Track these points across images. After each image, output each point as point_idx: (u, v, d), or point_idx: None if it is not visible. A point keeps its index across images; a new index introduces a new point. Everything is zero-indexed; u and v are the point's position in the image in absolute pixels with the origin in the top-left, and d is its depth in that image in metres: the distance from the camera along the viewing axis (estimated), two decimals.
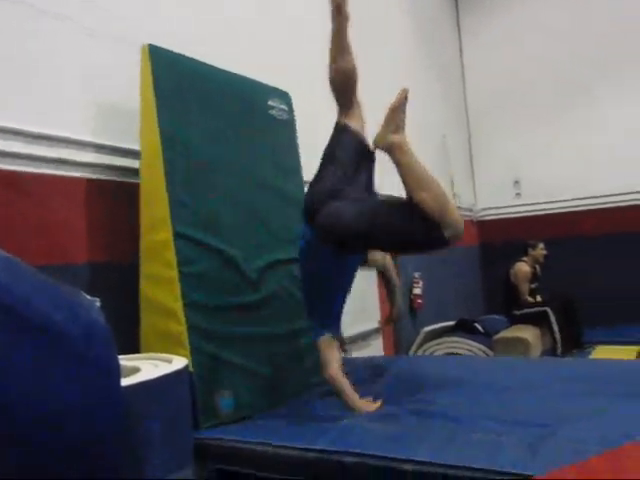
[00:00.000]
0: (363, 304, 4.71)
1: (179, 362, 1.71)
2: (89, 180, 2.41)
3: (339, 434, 1.79)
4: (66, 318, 1.14)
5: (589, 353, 4.68)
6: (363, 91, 4.88)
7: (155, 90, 2.38)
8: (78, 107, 2.40)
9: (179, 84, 2.53)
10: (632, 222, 5.95)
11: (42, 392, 0.99)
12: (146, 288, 2.35)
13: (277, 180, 2.99)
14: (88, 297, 1.32)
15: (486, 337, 4.79)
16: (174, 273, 2.27)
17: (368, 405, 2.09)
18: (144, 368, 1.68)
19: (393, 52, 5.38)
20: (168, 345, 2.25)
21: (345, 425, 1.88)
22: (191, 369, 2.20)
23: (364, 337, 4.67)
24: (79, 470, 1.05)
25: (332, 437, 1.76)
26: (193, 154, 2.51)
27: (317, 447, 1.70)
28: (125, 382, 1.45)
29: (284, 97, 3.20)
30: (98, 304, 1.31)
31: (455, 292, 5.91)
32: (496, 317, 5.55)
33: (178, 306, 2.24)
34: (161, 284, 2.31)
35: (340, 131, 2.24)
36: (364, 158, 2.25)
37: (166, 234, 2.30)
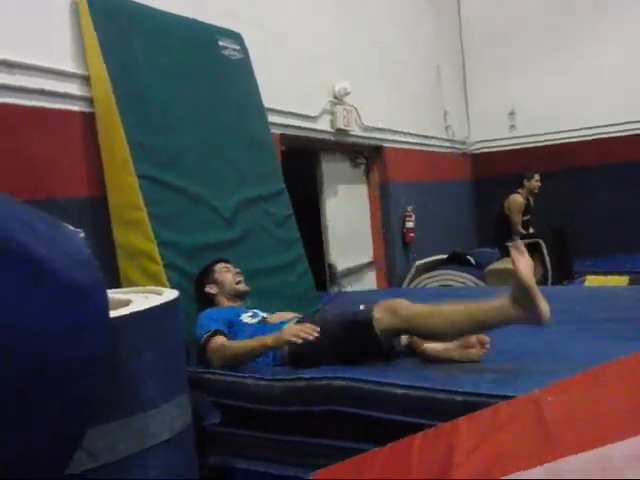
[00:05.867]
0: (356, 238, 4.72)
1: (170, 294, 1.71)
2: (72, 112, 2.33)
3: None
4: (50, 247, 1.12)
5: (580, 283, 4.75)
6: (360, 23, 4.70)
7: (98, 36, 2.32)
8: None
9: (121, 27, 2.45)
10: (629, 151, 5.91)
11: (28, 319, 0.98)
12: (118, 234, 2.35)
13: (241, 120, 2.98)
14: (72, 228, 1.29)
15: (478, 269, 4.84)
16: (143, 214, 2.27)
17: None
18: (135, 300, 1.68)
19: None
20: (148, 284, 2.26)
21: None
22: None
23: (357, 271, 4.71)
24: (68, 393, 1.07)
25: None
26: (147, 95, 2.48)
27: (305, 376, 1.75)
28: (117, 313, 1.45)
29: (235, 37, 3.12)
30: (82, 235, 1.28)
31: (448, 226, 5.92)
32: (488, 250, 5.60)
33: (152, 247, 2.24)
34: (132, 227, 2.31)
35: None
36: None
37: (130, 177, 2.29)
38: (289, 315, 2.25)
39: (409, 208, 5.16)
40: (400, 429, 1.50)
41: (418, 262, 4.96)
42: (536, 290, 1.62)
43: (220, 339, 2.02)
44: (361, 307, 1.91)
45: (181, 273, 2.34)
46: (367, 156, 4.96)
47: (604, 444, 0.93)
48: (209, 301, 2.33)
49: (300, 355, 1.91)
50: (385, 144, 4.97)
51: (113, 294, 1.82)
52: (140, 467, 1.41)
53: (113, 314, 1.44)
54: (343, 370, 1.73)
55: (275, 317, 2.23)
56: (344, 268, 4.44)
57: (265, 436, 1.79)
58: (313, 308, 3.04)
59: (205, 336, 2.02)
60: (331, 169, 4.46)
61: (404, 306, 1.79)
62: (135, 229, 2.29)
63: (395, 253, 5.05)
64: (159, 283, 2.25)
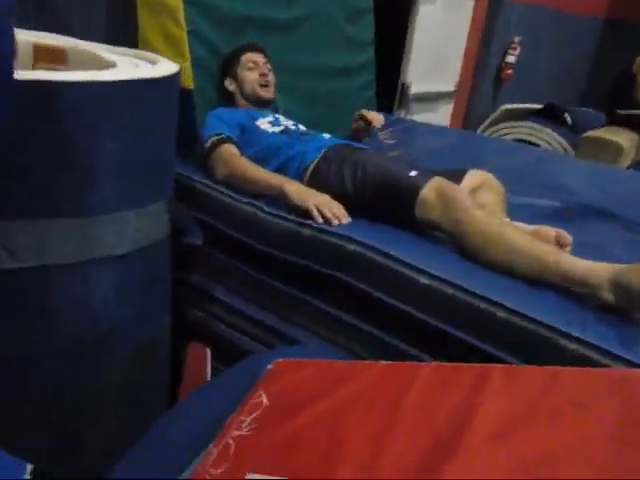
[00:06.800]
0: (443, 59, 3.98)
1: (166, 67, 1.27)
2: None
3: None
4: None
5: None
6: None
7: None
8: None
9: None
10: None
11: None
12: None
13: None
14: None
15: (573, 132, 4.08)
16: None
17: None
18: (120, 65, 1.26)
19: None
20: (167, 52, 1.80)
21: None
22: (191, 85, 1.78)
23: (434, 98, 4.07)
24: None
25: None
26: None
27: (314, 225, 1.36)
28: (73, 76, 1.04)
29: None
30: None
31: (556, 71, 4.98)
32: (591, 111, 4.71)
33: (177, 3, 1.72)
34: None
35: None
36: None
37: None
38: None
39: (516, 39, 4.27)
40: (417, 327, 1.15)
41: (506, 106, 4.24)
42: None
43: (231, 148, 1.61)
44: (412, 173, 1.42)
45: (209, 47, 1.86)
46: None
47: None
48: (228, 98, 1.88)
49: (323, 184, 1.50)
50: None
51: (94, 49, 1.40)
52: (81, 281, 1.13)
53: (66, 76, 1.04)
54: (365, 230, 1.32)
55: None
56: (419, 91, 3.80)
57: (253, 274, 1.48)
58: None
59: (212, 140, 1.62)
60: None
61: (464, 206, 1.29)
62: None
63: (483, 88, 4.31)
64: (179, 54, 1.79)
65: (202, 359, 1.78)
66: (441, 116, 4.20)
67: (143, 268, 1.27)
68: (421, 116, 3.89)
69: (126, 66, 1.27)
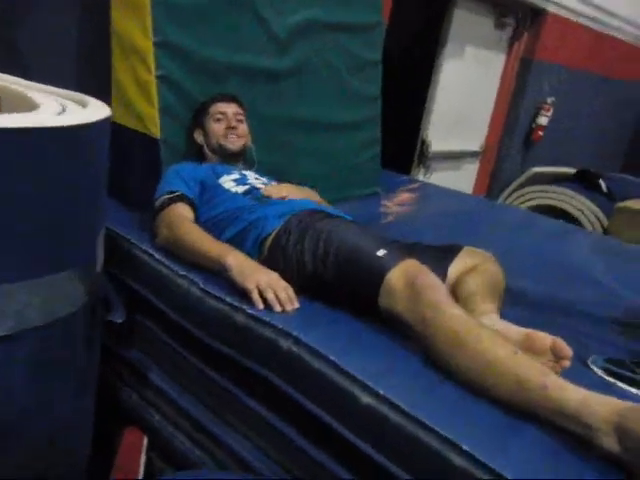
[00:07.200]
0: (469, 117, 3.77)
1: (95, 111, 1.08)
2: None
3: None
4: None
5: None
6: None
7: None
8: None
9: None
10: None
11: None
12: (115, 13, 1.66)
13: None
14: None
15: (608, 200, 3.76)
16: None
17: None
18: (45, 107, 1.08)
19: None
20: (137, 97, 1.64)
21: None
22: (157, 134, 1.61)
23: (457, 157, 3.85)
24: None
25: None
26: None
27: (250, 311, 1.11)
28: None
29: None
30: None
31: (590, 134, 4.70)
32: (631, 178, 4.36)
33: (148, 45, 1.56)
34: (131, 6, 1.60)
35: None
36: None
37: None
38: (296, 192, 1.55)
39: (549, 100, 4.03)
40: (353, 453, 0.89)
41: (535, 169, 3.98)
42: None
43: (182, 209, 1.41)
44: (380, 252, 1.16)
45: (181, 95, 1.69)
46: (520, 17, 3.79)
47: None
48: (197, 151, 1.70)
49: (281, 258, 1.27)
50: (550, 7, 3.75)
51: (21, 86, 1.24)
52: None
53: None
54: (312, 321, 1.08)
55: (272, 189, 1.53)
56: (441, 150, 3.59)
57: (188, 358, 1.24)
58: (362, 191, 2.34)
59: (163, 198, 1.42)
60: (464, 22, 3.40)
61: (435, 299, 1.03)
62: (134, 11, 1.61)
63: (512, 149, 4.06)
64: (147, 99, 1.63)
65: (137, 447, 1.54)
66: (465, 177, 3.97)
67: (39, 350, 1.05)
68: (442, 175, 3.67)
69: (50, 108, 1.09)
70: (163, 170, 1.64)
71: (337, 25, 2.12)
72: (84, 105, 1.19)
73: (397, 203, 2.34)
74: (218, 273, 1.21)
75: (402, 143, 3.33)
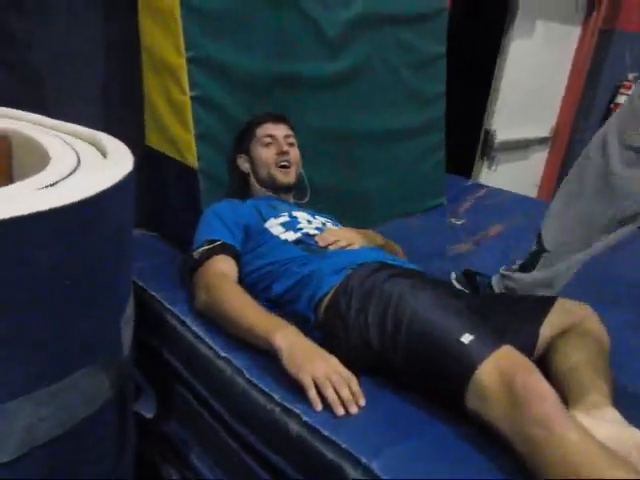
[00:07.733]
0: (538, 100, 3.39)
1: (117, 165, 0.88)
2: None
3: None
4: None
5: None
6: None
7: None
8: None
9: None
10: None
11: None
12: (145, 24, 1.44)
13: None
14: None
15: None
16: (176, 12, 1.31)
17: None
18: (57, 161, 0.89)
19: None
20: (171, 119, 1.44)
21: None
22: (195, 164, 1.41)
23: (524, 145, 3.49)
24: None
25: None
26: None
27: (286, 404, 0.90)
28: None
29: None
30: None
31: None
32: None
33: (180, 62, 1.34)
34: (160, 18, 1.38)
35: None
36: None
37: None
38: (356, 237, 1.32)
39: (630, 75, 3.59)
40: None
41: None
42: None
43: (223, 263, 1.19)
44: (465, 338, 0.90)
45: (221, 117, 1.47)
46: None
47: None
48: (241, 180, 1.48)
49: (341, 328, 1.05)
50: None
51: (38, 136, 1.04)
52: None
53: None
54: (386, 433, 0.86)
55: (328, 236, 1.30)
56: (506, 139, 3.25)
57: (232, 447, 1.04)
58: (427, 204, 2.08)
59: (200, 250, 1.19)
60: None
61: (544, 412, 0.77)
62: (164, 22, 1.39)
63: (586, 132, 3.65)
64: (182, 123, 1.42)
65: None
66: (532, 167, 3.61)
67: (50, 468, 0.88)
68: (508, 166, 3.33)
69: (63, 163, 0.89)
70: (202, 203, 1.44)
71: (396, 17, 1.84)
72: (103, 152, 1.00)
73: (461, 219, 2.06)
74: (265, 352, 1.00)
75: (463, 134, 3.01)
